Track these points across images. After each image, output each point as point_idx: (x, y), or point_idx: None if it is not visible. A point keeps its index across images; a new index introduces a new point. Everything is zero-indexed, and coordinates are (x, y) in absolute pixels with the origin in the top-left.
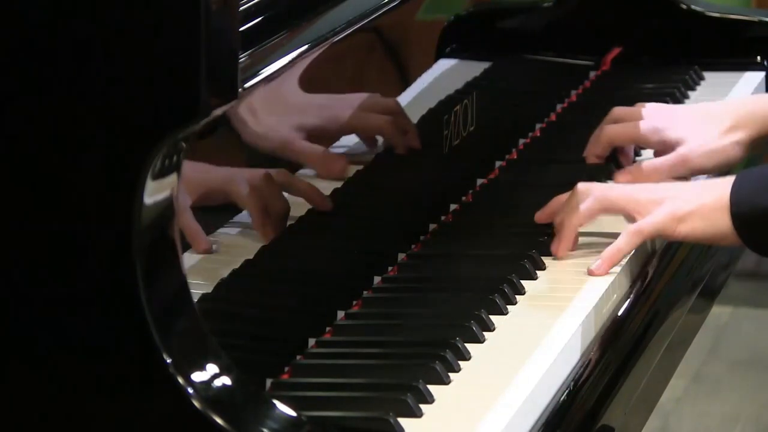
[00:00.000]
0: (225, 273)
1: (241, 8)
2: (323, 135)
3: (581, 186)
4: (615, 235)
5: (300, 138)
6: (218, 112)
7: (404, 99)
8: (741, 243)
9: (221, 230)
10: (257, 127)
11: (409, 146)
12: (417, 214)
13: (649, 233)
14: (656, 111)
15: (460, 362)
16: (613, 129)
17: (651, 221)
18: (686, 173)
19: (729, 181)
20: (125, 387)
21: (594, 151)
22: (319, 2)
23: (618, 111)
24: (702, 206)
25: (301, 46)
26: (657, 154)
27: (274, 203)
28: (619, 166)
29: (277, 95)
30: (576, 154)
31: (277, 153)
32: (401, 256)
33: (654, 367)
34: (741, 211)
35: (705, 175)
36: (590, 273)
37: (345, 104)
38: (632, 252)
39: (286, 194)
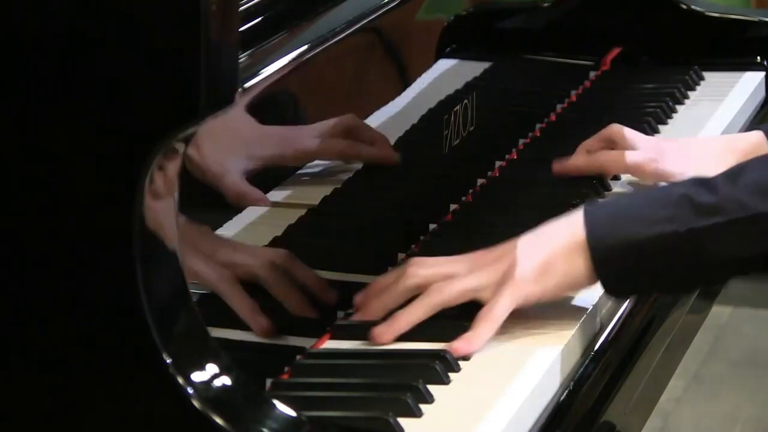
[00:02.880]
0: None
1: (241, 8)
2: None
3: (411, 271)
4: None
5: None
6: (218, 112)
7: (404, 99)
8: (594, 281)
9: (221, 230)
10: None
11: (382, 156)
12: (417, 214)
13: (503, 316)
14: (654, 142)
15: (460, 362)
16: (608, 157)
17: (494, 311)
18: None
19: (576, 218)
20: (125, 387)
21: (578, 164)
22: (319, 2)
23: (615, 130)
24: (554, 254)
25: (301, 46)
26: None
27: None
28: (604, 183)
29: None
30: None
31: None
32: (401, 256)
33: (654, 367)
34: (600, 246)
35: None
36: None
37: (300, 135)
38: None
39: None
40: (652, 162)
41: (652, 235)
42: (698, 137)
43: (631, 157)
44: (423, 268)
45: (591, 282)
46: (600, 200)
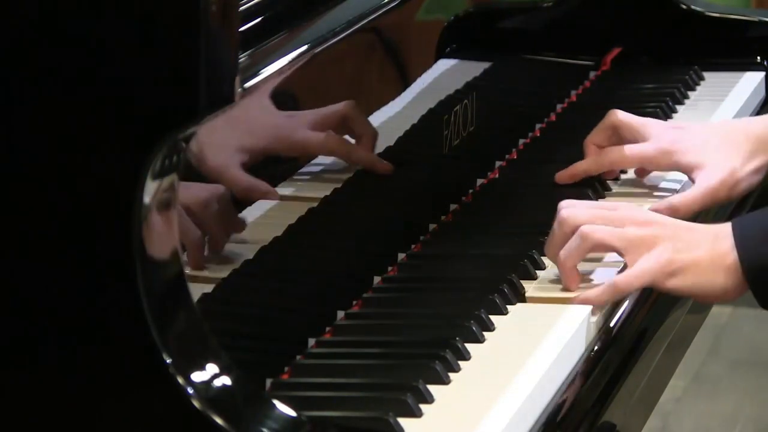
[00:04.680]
0: (225, 273)
1: (241, 8)
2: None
3: (565, 213)
4: None
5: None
6: (218, 112)
7: (404, 99)
8: (736, 297)
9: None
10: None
11: (376, 165)
12: (417, 214)
13: (632, 289)
14: (665, 130)
15: (460, 362)
16: (615, 154)
17: (636, 275)
18: (712, 205)
19: (726, 231)
20: (125, 387)
21: (585, 167)
22: (319, 2)
23: (617, 117)
24: (698, 260)
25: (301, 46)
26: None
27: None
28: (603, 184)
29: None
30: (576, 155)
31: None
32: (401, 256)
33: (654, 367)
34: (753, 266)
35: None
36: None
37: (296, 124)
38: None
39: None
40: (665, 155)
41: None
42: (711, 123)
43: (642, 151)
44: (576, 211)
45: (734, 298)
46: (746, 216)
